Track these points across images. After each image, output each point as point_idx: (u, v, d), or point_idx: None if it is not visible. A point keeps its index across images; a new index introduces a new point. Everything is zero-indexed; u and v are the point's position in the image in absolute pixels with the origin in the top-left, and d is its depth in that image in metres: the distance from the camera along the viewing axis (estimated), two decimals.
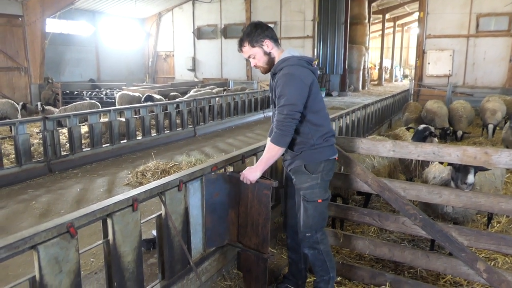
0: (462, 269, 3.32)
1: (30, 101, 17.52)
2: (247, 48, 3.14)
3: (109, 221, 2.61)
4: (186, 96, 14.59)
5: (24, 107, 14.07)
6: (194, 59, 25.18)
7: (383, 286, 3.65)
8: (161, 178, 6.69)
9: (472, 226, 4.70)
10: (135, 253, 2.79)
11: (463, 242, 3.25)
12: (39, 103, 13.36)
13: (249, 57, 3.19)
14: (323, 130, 3.14)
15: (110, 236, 2.63)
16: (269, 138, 3.23)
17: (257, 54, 3.14)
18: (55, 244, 2.22)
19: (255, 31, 3.10)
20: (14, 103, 10.04)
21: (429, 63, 17.88)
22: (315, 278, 3.47)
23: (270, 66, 3.17)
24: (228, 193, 3.55)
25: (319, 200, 3.17)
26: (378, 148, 3.60)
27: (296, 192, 3.31)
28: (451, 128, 10.49)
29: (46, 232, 2.17)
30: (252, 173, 3.17)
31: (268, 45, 3.11)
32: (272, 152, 3.09)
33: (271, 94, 3.23)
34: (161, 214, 3.12)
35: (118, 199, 2.64)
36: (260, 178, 3.24)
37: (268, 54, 3.13)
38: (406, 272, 3.99)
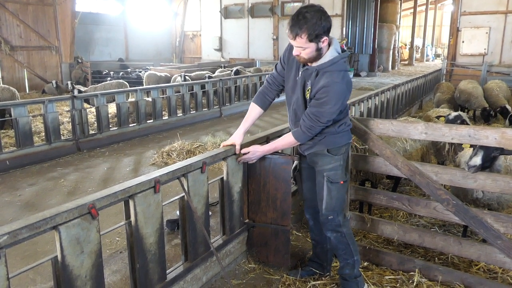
0: (498, 257, 3.17)
1: (61, 79, 17.88)
2: (303, 40, 2.75)
3: (131, 203, 2.57)
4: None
5: (56, 85, 14.48)
6: (221, 39, 25.00)
7: (412, 273, 3.53)
8: (186, 158, 6.70)
9: (507, 212, 4.49)
10: (157, 235, 2.76)
11: (499, 229, 3.10)
12: (69, 82, 13.59)
13: (296, 46, 2.86)
14: (342, 121, 3.13)
15: (132, 218, 2.60)
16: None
17: (308, 49, 2.81)
18: (76, 225, 2.20)
19: (320, 24, 2.71)
20: (11, 88, 10.15)
21: (463, 42, 17.19)
22: (339, 264, 3.39)
23: (311, 61, 2.92)
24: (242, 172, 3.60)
25: (341, 182, 3.17)
26: (409, 130, 3.43)
27: (317, 174, 3.24)
28: (491, 108, 10.10)
29: (67, 212, 2.15)
30: (258, 156, 3.33)
31: (324, 42, 2.81)
32: (289, 143, 3.20)
33: (303, 86, 3.03)
34: (184, 196, 3.08)
35: (140, 180, 2.60)
36: (276, 153, 3.28)
37: (319, 50, 2.84)
38: (436, 258, 3.86)
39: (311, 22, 2.69)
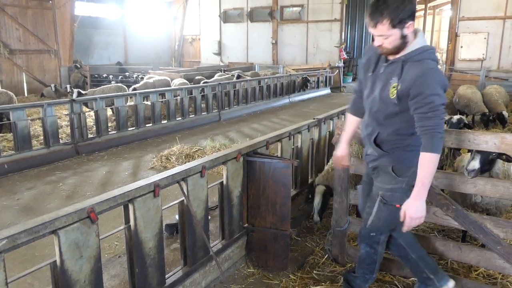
0: (497, 262, 3.16)
1: (60, 83, 17.84)
2: (384, 27, 2.43)
3: (130, 207, 2.57)
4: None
5: (55, 88, 14.49)
6: (220, 43, 25.02)
7: (411, 278, 3.52)
8: (185, 162, 6.70)
9: (506, 217, 4.49)
10: (156, 239, 2.75)
11: (498, 234, 3.09)
12: (68, 86, 13.59)
13: (378, 35, 2.53)
14: None
15: (132, 222, 2.59)
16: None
17: (392, 36, 2.47)
18: (75, 229, 2.19)
19: (404, 8, 2.38)
20: (9, 92, 10.12)
21: (461, 47, 17.25)
22: (348, 270, 3.37)
23: (396, 51, 2.58)
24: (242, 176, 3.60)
25: (397, 205, 2.75)
26: None
27: (374, 187, 2.98)
28: (491, 113, 10.10)
29: (66, 217, 2.14)
30: (420, 208, 2.62)
31: (409, 28, 2.47)
32: (435, 165, 2.54)
33: (384, 83, 2.68)
34: (183, 200, 3.07)
35: (139, 184, 2.60)
36: (275, 157, 3.20)
37: (404, 37, 2.50)
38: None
39: (393, 6, 2.38)
